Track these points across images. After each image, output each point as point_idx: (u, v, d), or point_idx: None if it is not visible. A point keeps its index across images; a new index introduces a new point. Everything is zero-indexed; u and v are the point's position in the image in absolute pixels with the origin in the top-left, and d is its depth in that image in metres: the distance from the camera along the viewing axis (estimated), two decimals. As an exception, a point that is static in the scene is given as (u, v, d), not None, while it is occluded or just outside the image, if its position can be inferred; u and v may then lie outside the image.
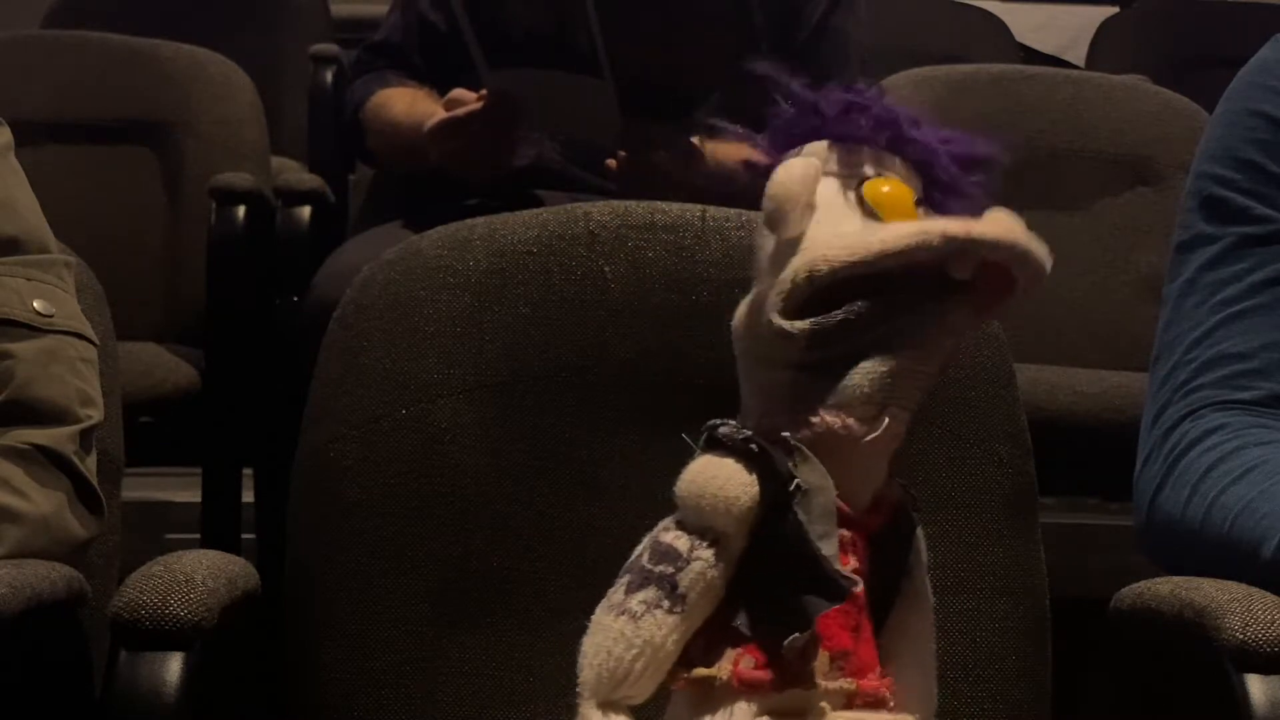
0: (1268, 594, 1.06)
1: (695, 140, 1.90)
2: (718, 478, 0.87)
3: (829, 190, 0.89)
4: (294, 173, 2.62)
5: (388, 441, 1.15)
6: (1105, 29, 3.71)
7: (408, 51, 2.15)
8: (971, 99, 2.47)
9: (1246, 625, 1.03)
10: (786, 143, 0.93)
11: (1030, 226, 0.88)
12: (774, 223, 0.88)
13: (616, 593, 0.88)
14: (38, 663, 1.22)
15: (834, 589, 0.84)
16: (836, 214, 0.88)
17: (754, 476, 0.86)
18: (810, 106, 0.92)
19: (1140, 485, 1.31)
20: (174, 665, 0.99)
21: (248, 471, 2.32)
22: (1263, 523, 1.17)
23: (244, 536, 2.29)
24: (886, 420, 0.86)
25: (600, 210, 1.20)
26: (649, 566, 0.87)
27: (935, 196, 0.91)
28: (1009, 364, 1.20)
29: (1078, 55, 3.78)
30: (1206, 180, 1.34)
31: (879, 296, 0.85)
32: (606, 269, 1.18)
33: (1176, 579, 1.13)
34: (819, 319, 0.86)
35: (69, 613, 1.23)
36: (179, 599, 1.00)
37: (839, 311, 0.85)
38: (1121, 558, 1.56)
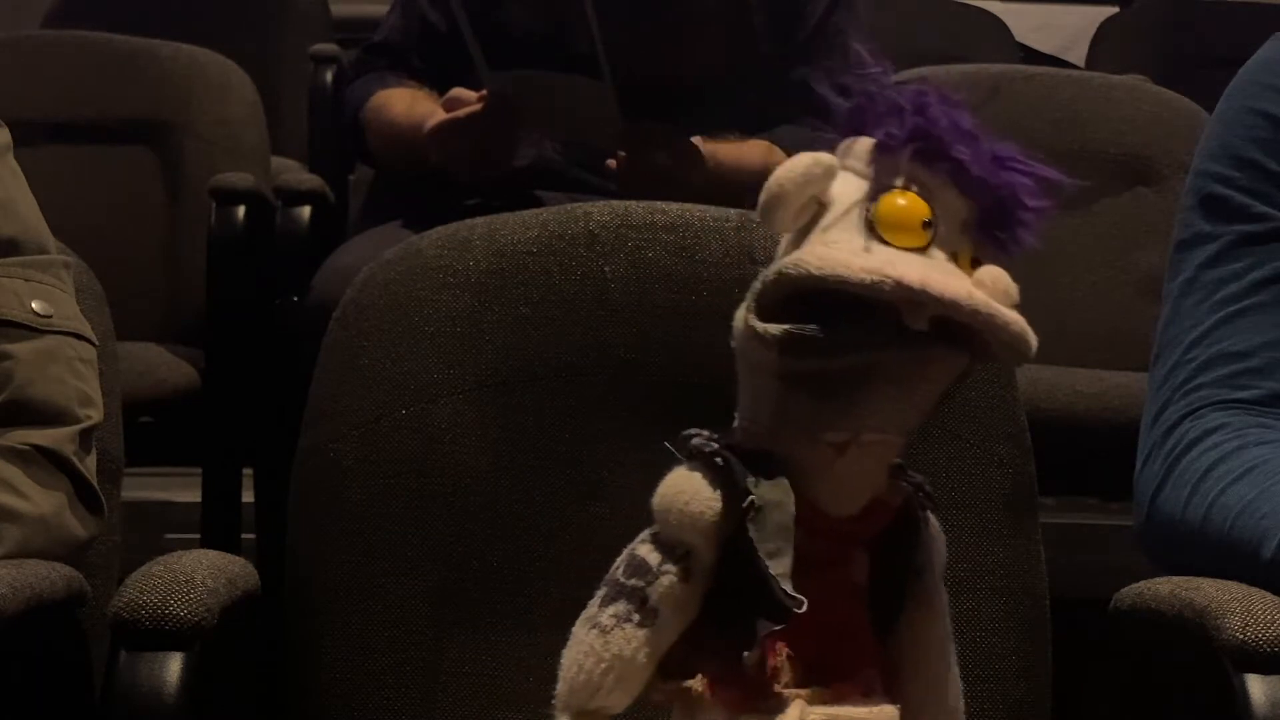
0: (1268, 594, 1.06)
1: (695, 140, 1.90)
2: (684, 492, 0.87)
3: (851, 192, 0.85)
4: (294, 173, 2.61)
5: (388, 441, 1.15)
6: (1105, 29, 3.71)
7: (407, 52, 2.15)
8: (971, 99, 2.46)
9: (1246, 625, 1.03)
10: (852, 131, 0.87)
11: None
12: (763, 216, 0.85)
13: (593, 605, 0.89)
14: (38, 663, 1.22)
15: (776, 609, 0.83)
16: (844, 220, 0.85)
17: (718, 491, 0.86)
18: (869, 99, 0.86)
19: (1140, 485, 1.31)
20: (174, 665, 0.99)
21: (248, 471, 2.32)
22: (1263, 523, 1.17)
23: (244, 536, 2.29)
24: (863, 444, 0.85)
25: (600, 210, 1.20)
26: (622, 580, 0.88)
27: (989, 221, 0.85)
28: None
29: (1078, 55, 3.78)
30: (1206, 179, 1.34)
31: (864, 322, 0.82)
32: (606, 269, 1.18)
33: (1176, 579, 1.13)
34: (791, 327, 0.83)
35: (69, 613, 1.23)
36: (179, 599, 1.00)
37: (813, 326, 0.83)
38: (1121, 558, 1.56)
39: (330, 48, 3.04)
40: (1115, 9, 3.94)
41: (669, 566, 0.87)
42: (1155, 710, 1.32)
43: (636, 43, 1.86)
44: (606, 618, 0.87)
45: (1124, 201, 2.41)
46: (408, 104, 2.05)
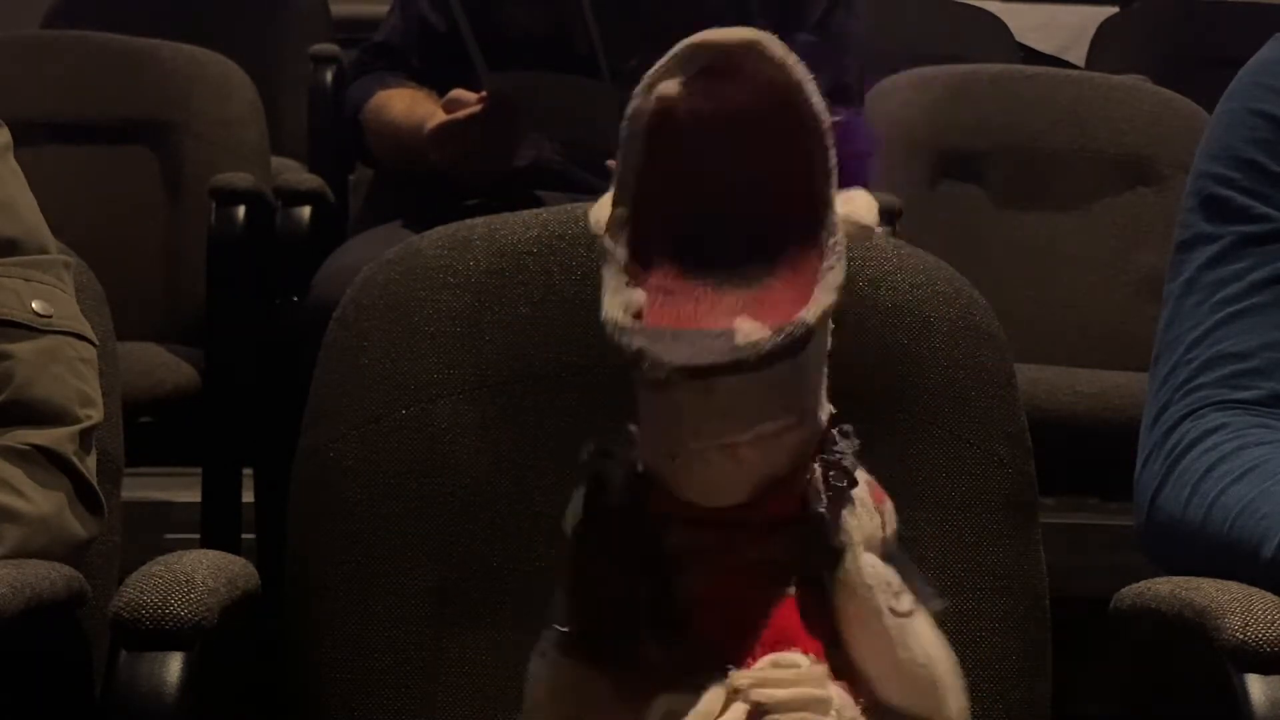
0: (1268, 594, 1.06)
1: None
2: (573, 503, 0.90)
3: None
4: (294, 173, 2.61)
5: (388, 441, 1.15)
6: (1105, 29, 3.71)
7: (407, 53, 2.15)
8: (971, 99, 2.47)
9: (1246, 625, 1.03)
10: None
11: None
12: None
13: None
14: (38, 663, 1.22)
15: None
16: None
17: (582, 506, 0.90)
18: None
19: (1140, 485, 1.31)
20: (174, 665, 0.99)
21: (248, 471, 2.32)
22: (1263, 523, 1.17)
23: (244, 536, 2.29)
24: (693, 454, 0.85)
25: (600, 210, 1.20)
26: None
27: None
28: (1009, 364, 1.20)
29: (1078, 55, 3.78)
30: (1207, 179, 1.34)
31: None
32: (606, 269, 1.18)
33: (1176, 579, 1.13)
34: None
35: (69, 613, 1.23)
36: (179, 599, 1.00)
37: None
38: (1121, 558, 1.56)
39: (330, 48, 3.03)
40: (1115, 9, 3.94)
41: None
42: (1155, 710, 1.32)
43: (636, 43, 1.86)
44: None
45: (1124, 201, 2.42)
46: (408, 105, 2.05)
